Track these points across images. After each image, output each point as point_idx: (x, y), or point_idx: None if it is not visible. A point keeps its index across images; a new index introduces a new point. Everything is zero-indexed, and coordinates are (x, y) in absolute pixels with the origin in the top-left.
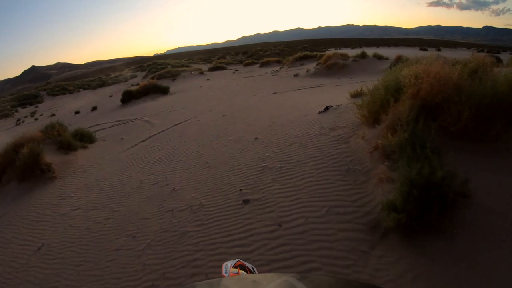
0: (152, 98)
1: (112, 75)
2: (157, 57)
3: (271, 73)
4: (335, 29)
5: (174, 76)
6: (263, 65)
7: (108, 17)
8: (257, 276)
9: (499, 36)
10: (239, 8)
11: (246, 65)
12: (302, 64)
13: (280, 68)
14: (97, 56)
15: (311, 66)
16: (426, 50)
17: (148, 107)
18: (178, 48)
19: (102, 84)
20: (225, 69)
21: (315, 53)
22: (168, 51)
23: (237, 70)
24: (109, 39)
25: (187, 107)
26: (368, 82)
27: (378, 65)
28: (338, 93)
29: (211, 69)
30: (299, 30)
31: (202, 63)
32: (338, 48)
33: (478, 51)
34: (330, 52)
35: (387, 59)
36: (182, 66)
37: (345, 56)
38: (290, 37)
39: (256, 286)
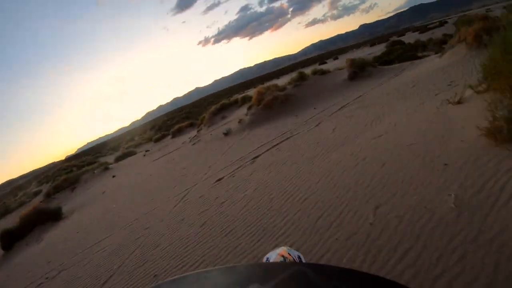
0: (37, 239)
1: (19, 195)
2: (70, 158)
3: (190, 141)
4: (229, 77)
5: (73, 183)
6: (175, 134)
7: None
8: (269, 264)
9: (374, 29)
10: (133, 89)
11: (157, 140)
12: (224, 117)
13: (198, 131)
14: (7, 176)
15: (240, 114)
16: (325, 63)
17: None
18: (88, 143)
19: (5, 213)
20: (135, 153)
21: (234, 98)
22: (78, 149)
23: (148, 151)
24: (15, 155)
25: (78, 250)
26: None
27: (330, 81)
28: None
29: (118, 159)
30: (197, 89)
31: (111, 153)
32: (241, 92)
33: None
34: (258, 88)
35: (330, 71)
36: (89, 164)
37: (279, 87)
38: (191, 98)
39: (268, 275)
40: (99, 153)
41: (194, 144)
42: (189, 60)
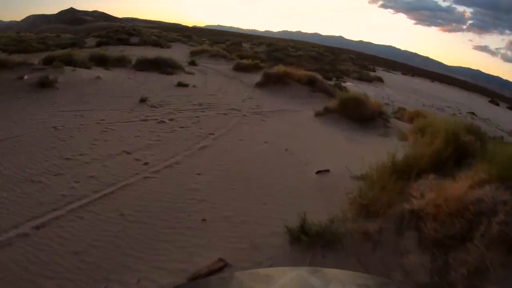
0: None
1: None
2: (195, 29)
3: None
4: (376, 47)
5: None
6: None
7: None
8: (269, 270)
9: None
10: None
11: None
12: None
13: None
14: (135, 13)
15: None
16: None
17: None
18: (218, 25)
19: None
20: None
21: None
22: (207, 25)
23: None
24: None
25: None
26: None
27: None
28: None
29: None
30: (341, 38)
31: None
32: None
33: None
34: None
35: None
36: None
37: None
38: (331, 43)
39: (269, 280)
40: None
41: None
42: (351, 7)
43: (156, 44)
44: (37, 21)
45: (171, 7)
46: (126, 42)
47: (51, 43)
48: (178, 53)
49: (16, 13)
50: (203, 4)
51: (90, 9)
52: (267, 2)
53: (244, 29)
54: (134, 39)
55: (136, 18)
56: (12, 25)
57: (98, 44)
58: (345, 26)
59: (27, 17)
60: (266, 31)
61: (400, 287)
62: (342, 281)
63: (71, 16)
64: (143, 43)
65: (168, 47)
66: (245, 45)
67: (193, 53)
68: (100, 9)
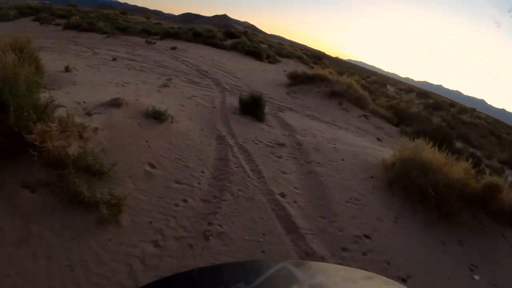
0: None
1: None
2: (336, 60)
3: None
4: None
5: None
6: None
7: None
8: (255, 262)
9: None
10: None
11: None
12: None
13: None
14: (282, 32)
15: None
16: None
17: None
18: (360, 62)
19: None
20: None
21: None
22: (349, 59)
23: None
24: (309, 23)
25: None
26: None
27: None
28: None
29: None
30: (482, 102)
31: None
32: None
33: None
34: None
35: None
36: None
37: None
38: (470, 105)
39: (256, 272)
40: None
41: None
42: (496, 74)
43: (251, 53)
44: (192, 18)
45: (318, 36)
46: (213, 44)
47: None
48: (273, 73)
49: (176, 8)
50: (348, 39)
51: (242, 20)
52: (415, 51)
53: (384, 71)
54: (228, 42)
55: (282, 37)
56: (170, 17)
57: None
58: (488, 90)
59: (184, 14)
60: (406, 78)
61: (384, 280)
62: (326, 274)
63: (223, 21)
64: (233, 48)
65: (272, 62)
66: (390, 88)
67: (294, 77)
68: (251, 22)
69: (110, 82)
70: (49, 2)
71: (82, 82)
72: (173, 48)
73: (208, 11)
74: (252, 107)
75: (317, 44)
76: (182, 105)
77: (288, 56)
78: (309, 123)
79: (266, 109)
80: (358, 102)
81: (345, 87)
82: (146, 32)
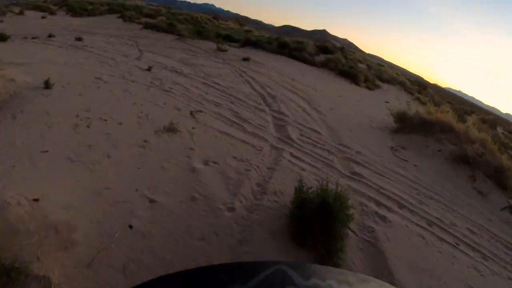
0: None
1: None
2: (434, 87)
3: None
4: None
5: None
6: None
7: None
8: (251, 263)
9: None
10: None
11: None
12: None
13: None
14: (381, 53)
15: None
16: None
17: None
18: (459, 91)
19: None
20: None
21: None
22: (448, 87)
23: None
24: (406, 44)
25: None
26: None
27: None
28: None
29: None
30: None
31: None
32: None
33: None
34: None
35: None
36: None
37: None
38: None
39: (252, 273)
40: None
41: None
42: None
43: (345, 74)
44: (291, 31)
45: (414, 61)
46: (300, 58)
47: None
48: (371, 104)
49: (278, 19)
50: (446, 64)
51: (341, 36)
52: None
53: (484, 104)
54: (320, 58)
55: (380, 57)
56: (269, 27)
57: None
58: None
59: (283, 26)
60: (507, 114)
61: (380, 284)
62: (322, 276)
63: (321, 37)
64: (324, 65)
65: (369, 88)
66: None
67: (403, 120)
68: (350, 39)
69: (77, 117)
70: (156, 4)
71: (35, 111)
72: (245, 59)
73: (308, 25)
74: (316, 227)
75: (413, 67)
76: (152, 200)
77: (389, 81)
78: (443, 260)
79: (352, 220)
80: (497, 175)
81: (477, 145)
82: (226, 39)
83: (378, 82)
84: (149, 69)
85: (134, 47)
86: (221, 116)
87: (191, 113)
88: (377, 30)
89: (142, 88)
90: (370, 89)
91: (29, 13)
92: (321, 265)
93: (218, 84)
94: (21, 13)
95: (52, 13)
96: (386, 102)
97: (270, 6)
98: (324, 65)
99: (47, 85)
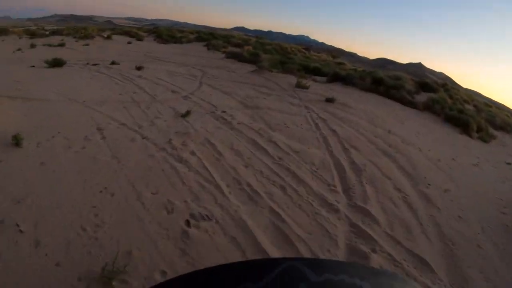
0: None
1: None
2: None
3: None
4: None
5: None
6: None
7: None
8: (263, 260)
9: None
10: None
11: None
12: None
13: None
14: (478, 87)
15: None
16: None
17: None
18: None
19: None
20: None
21: None
22: None
23: None
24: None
25: None
26: None
27: None
28: None
29: None
30: None
31: None
32: None
33: None
34: None
35: None
36: None
37: None
38: None
39: (264, 270)
40: None
41: None
42: None
43: (453, 119)
44: (386, 64)
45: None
46: (397, 98)
47: None
48: (491, 170)
49: (372, 52)
50: None
51: (437, 70)
52: None
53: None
54: (421, 97)
55: (479, 92)
56: (363, 60)
57: None
58: None
59: (378, 58)
60: None
61: (393, 276)
62: (334, 270)
63: (416, 70)
64: (426, 107)
65: (484, 139)
66: None
67: None
68: (447, 73)
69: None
70: (250, 34)
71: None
72: (329, 100)
73: (403, 58)
74: None
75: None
76: None
77: (502, 127)
78: None
79: None
80: None
81: None
82: (314, 72)
83: (491, 130)
84: (186, 114)
85: (197, 80)
86: (244, 232)
87: (187, 225)
88: (471, 60)
89: (143, 157)
90: (484, 141)
91: (117, 38)
92: (333, 260)
93: (275, 144)
94: (109, 37)
95: (140, 39)
96: (507, 163)
97: (364, 38)
98: (426, 107)
99: (16, 140)
